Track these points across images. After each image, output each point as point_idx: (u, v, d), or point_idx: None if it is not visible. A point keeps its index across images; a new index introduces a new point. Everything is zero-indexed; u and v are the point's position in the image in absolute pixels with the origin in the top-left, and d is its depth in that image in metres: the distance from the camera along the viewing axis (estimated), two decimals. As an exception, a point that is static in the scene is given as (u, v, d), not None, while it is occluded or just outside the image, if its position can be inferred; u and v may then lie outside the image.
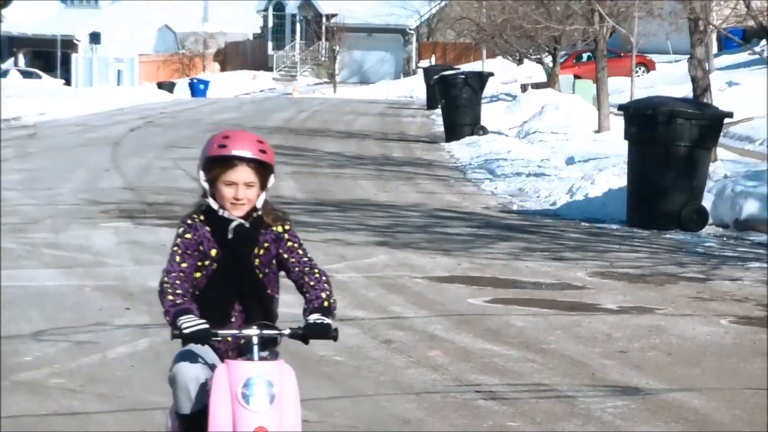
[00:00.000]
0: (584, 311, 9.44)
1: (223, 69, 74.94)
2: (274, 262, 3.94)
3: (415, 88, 53.12)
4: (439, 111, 32.17)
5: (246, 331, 3.76)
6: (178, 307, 3.74)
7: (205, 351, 3.86)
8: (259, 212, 3.89)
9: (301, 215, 13.30)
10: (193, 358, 3.84)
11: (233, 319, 3.91)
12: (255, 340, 3.71)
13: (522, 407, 6.54)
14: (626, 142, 14.93)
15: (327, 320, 3.78)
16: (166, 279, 3.82)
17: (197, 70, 70.37)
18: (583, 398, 6.71)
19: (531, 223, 14.95)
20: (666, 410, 6.51)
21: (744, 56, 42.92)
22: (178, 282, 3.82)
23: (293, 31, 75.91)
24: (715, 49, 24.51)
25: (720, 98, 19.57)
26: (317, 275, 3.91)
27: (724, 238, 13.58)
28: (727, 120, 15.03)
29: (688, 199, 13.88)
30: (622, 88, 32.45)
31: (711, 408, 6.56)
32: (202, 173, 3.89)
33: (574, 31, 30.72)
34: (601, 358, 7.79)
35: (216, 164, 3.83)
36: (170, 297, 3.78)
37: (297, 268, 3.92)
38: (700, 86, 18.09)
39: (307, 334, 3.77)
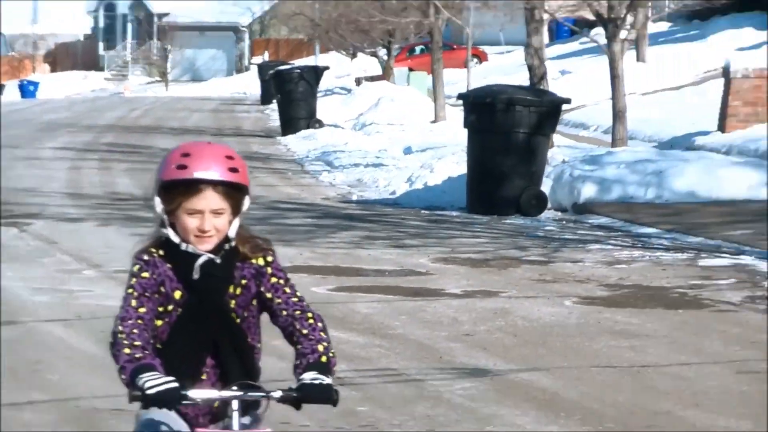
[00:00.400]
0: (428, 296, 9.34)
1: (53, 70, 73.57)
2: (254, 303, 3.12)
3: (249, 84, 52.97)
4: (274, 106, 32.16)
5: (225, 393, 2.97)
6: (138, 362, 2.92)
7: (170, 417, 3.06)
8: (233, 242, 3.07)
9: (138, 211, 12.77)
10: (154, 427, 3.05)
11: (204, 377, 3.11)
12: (235, 404, 2.93)
13: (371, 391, 6.38)
14: (465, 131, 14.95)
15: (326, 380, 2.96)
16: (120, 328, 2.98)
17: (27, 72, 68.86)
18: (431, 381, 6.59)
19: (371, 213, 14.84)
20: (515, 390, 6.46)
21: (575, 45, 44.36)
22: (136, 331, 2.99)
23: (124, 31, 75.63)
24: (546, 39, 25.11)
25: (554, 87, 19.90)
26: (311, 321, 3.08)
27: (564, 222, 13.74)
28: (564, 107, 15.20)
29: (527, 184, 13.96)
30: (455, 80, 32.93)
31: (559, 386, 6.52)
32: (157, 199, 3.02)
33: (409, 23, 30.90)
34: (447, 341, 7.67)
35: (175, 190, 3.00)
36: (127, 350, 2.94)
37: (285, 312, 3.09)
38: (537, 74, 18.32)
39: (301, 397, 2.94)
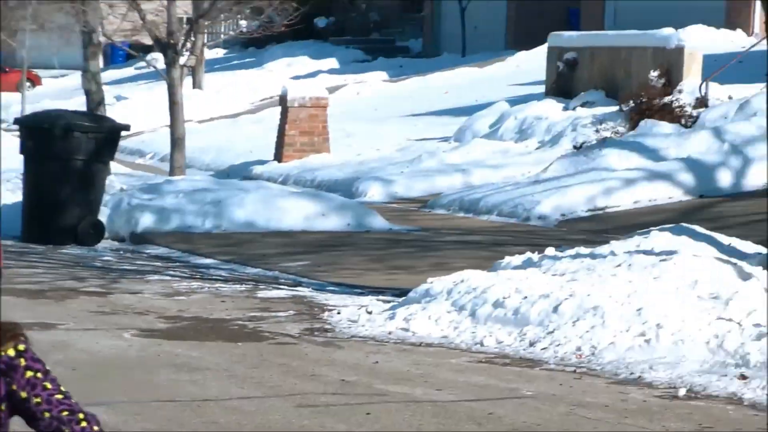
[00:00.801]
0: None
1: None
2: (2, 407, 2.42)
3: None
4: None
5: None
6: None
7: None
8: None
9: None
10: None
11: None
12: None
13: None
14: (21, 157, 14.35)
15: None
16: None
17: None
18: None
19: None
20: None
21: (130, 71, 43.89)
22: None
23: None
24: (101, 64, 24.56)
25: (110, 112, 19.60)
26: (84, 424, 2.41)
27: (121, 252, 13.60)
28: (123, 133, 15.07)
29: (85, 213, 13.67)
30: (8, 104, 31.46)
31: (120, 422, 6.40)
32: None
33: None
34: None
35: None
36: None
37: (47, 413, 2.39)
38: (95, 99, 18.02)
39: None
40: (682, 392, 6.99)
